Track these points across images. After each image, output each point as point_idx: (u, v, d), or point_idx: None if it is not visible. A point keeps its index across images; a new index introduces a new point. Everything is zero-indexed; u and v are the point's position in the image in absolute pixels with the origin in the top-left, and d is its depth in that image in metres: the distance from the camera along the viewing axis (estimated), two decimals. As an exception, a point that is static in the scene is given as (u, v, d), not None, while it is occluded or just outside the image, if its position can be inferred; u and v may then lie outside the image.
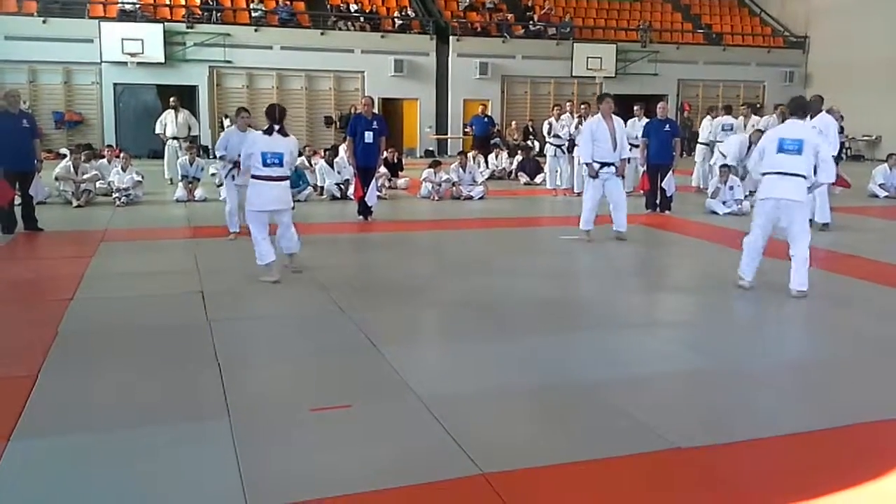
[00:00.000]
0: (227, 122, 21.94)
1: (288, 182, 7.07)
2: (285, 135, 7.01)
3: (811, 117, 10.26)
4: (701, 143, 15.35)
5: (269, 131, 6.95)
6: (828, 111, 10.32)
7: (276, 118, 6.93)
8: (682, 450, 3.62)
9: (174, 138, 15.53)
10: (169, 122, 15.66)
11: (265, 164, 6.80)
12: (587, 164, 9.37)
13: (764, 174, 6.72)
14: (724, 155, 13.41)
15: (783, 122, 12.32)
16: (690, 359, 5.14)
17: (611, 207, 9.48)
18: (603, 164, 9.27)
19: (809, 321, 6.18)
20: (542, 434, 3.89)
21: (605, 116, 9.37)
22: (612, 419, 4.01)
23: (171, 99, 16.07)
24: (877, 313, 6.34)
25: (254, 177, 6.90)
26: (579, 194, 14.21)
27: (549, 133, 15.02)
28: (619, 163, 9.40)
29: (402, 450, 3.65)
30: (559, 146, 14.80)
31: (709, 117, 15.62)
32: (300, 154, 15.24)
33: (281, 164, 6.88)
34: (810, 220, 10.32)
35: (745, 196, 12.14)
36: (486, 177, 14.70)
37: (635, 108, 14.53)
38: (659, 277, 8.07)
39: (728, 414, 4.15)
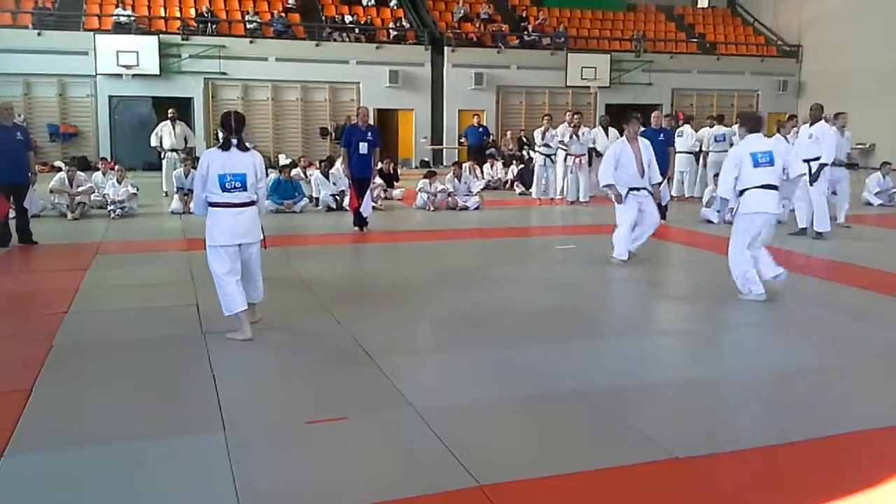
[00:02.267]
0: (222, 134, 21.92)
1: (255, 208, 5.60)
2: (245, 149, 5.56)
3: (811, 125, 10.33)
4: (684, 153, 14.89)
5: (225, 146, 5.50)
6: (833, 118, 10.36)
7: (232, 128, 5.47)
8: (680, 460, 3.61)
9: (172, 150, 15.36)
10: (167, 135, 15.41)
11: (224, 189, 5.41)
12: (608, 187, 8.61)
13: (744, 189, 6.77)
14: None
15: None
16: (688, 367, 5.14)
17: (636, 227, 8.76)
18: (631, 189, 8.53)
19: (808, 330, 6.17)
20: (540, 445, 3.87)
21: (631, 140, 8.60)
22: (609, 429, 4.00)
23: (170, 111, 15.82)
24: (875, 322, 6.34)
25: (211, 204, 5.52)
26: (572, 203, 14.31)
27: (541, 140, 14.98)
28: (651, 187, 8.65)
29: (399, 462, 3.64)
30: (549, 156, 14.83)
31: (688, 126, 15.44)
32: (293, 165, 15.33)
33: (244, 188, 5.46)
34: (804, 229, 10.47)
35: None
36: (481, 187, 14.72)
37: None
38: (656, 286, 8.07)
39: (726, 423, 4.15)
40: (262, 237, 5.73)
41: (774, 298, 6.78)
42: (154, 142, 15.55)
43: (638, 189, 8.54)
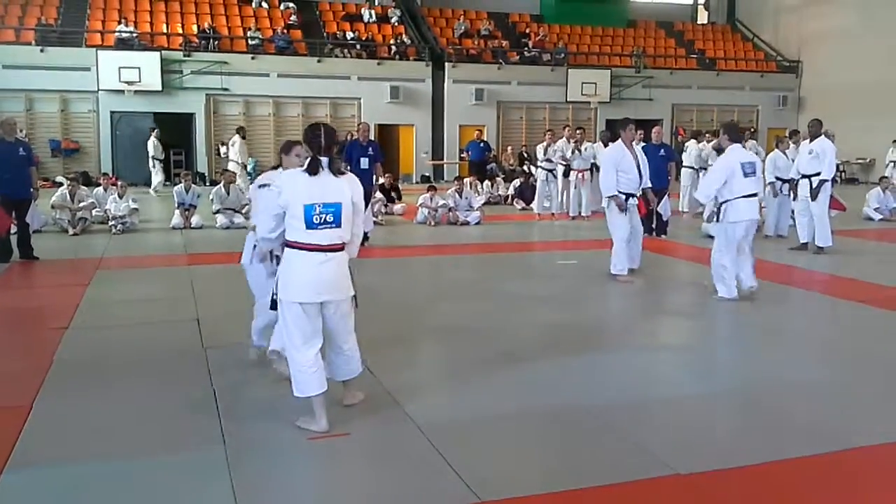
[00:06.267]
0: (223, 150, 22.05)
1: (345, 254, 4.21)
2: (339, 172, 4.16)
3: (810, 140, 10.35)
4: (688, 168, 15.28)
5: (312, 168, 4.07)
6: (825, 134, 10.39)
7: (321, 145, 4.09)
8: (683, 476, 3.59)
9: (244, 165, 17.93)
10: (244, 150, 18.08)
11: (311, 226, 4.02)
12: (612, 197, 8.43)
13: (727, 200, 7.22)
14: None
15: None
16: (690, 383, 5.12)
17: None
18: (628, 196, 8.49)
19: (810, 345, 6.16)
20: (541, 461, 3.86)
21: (627, 144, 8.54)
22: (612, 444, 3.99)
23: (239, 127, 18.62)
24: (876, 337, 6.33)
25: (289, 245, 4.11)
26: (574, 218, 14.32)
27: (543, 155, 15.02)
28: (639, 192, 8.63)
29: (400, 478, 3.62)
30: (550, 171, 14.86)
31: (694, 141, 15.72)
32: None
33: (337, 223, 4.07)
34: (805, 244, 10.47)
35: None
36: (482, 202, 14.73)
37: (637, 133, 14.58)
38: (657, 302, 8.06)
39: (729, 438, 4.13)
40: (353, 292, 4.28)
41: (751, 300, 7.30)
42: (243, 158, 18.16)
43: (633, 196, 8.54)
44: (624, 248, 8.52)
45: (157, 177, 19.80)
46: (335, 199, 4.05)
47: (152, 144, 19.84)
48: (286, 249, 4.13)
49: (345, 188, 4.10)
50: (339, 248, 4.12)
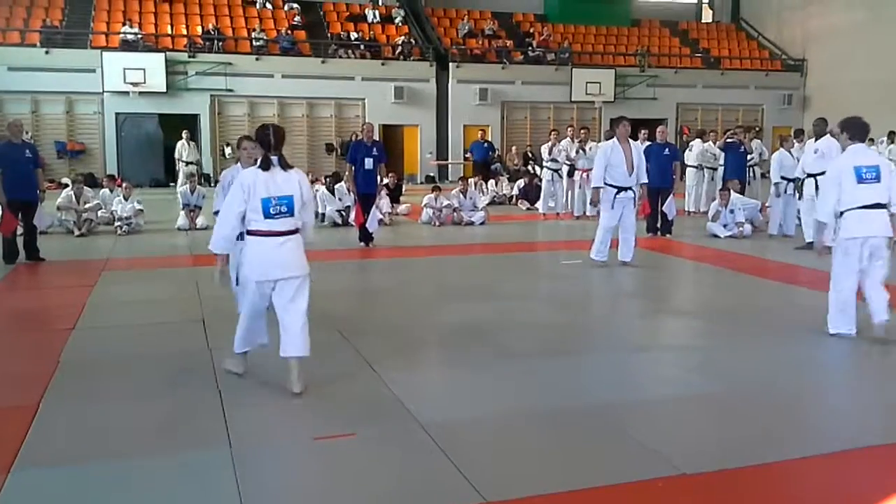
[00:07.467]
0: (228, 151, 22.08)
1: (300, 237, 4.77)
2: (287, 167, 4.74)
3: (816, 139, 10.33)
4: (692, 167, 15.33)
5: (265, 165, 4.64)
6: (831, 133, 10.37)
7: (271, 144, 4.66)
8: (689, 476, 3.59)
9: None
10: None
11: (268, 215, 4.57)
12: (594, 189, 9.11)
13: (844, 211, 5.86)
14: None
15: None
16: (695, 383, 5.11)
17: (619, 234, 9.19)
18: (620, 189, 8.99)
19: (816, 344, 6.13)
20: (546, 460, 3.85)
21: (622, 140, 9.07)
22: (616, 444, 3.99)
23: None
24: (882, 335, 6.30)
25: (250, 233, 4.67)
26: (578, 217, 14.32)
27: (548, 155, 15.01)
28: (636, 188, 9.14)
29: (405, 478, 3.62)
30: (556, 170, 14.85)
31: (699, 140, 15.73)
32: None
33: (290, 213, 4.65)
34: (811, 243, 10.42)
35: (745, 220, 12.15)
36: (486, 202, 14.73)
37: (641, 132, 14.61)
38: (662, 301, 8.05)
39: (733, 439, 4.12)
40: (308, 271, 4.78)
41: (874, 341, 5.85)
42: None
43: (625, 189, 9.00)
44: (604, 237, 9.09)
45: None
46: (287, 191, 4.64)
47: (182, 147, 19.27)
48: (248, 238, 4.69)
49: (294, 181, 4.70)
50: (294, 231, 4.70)
